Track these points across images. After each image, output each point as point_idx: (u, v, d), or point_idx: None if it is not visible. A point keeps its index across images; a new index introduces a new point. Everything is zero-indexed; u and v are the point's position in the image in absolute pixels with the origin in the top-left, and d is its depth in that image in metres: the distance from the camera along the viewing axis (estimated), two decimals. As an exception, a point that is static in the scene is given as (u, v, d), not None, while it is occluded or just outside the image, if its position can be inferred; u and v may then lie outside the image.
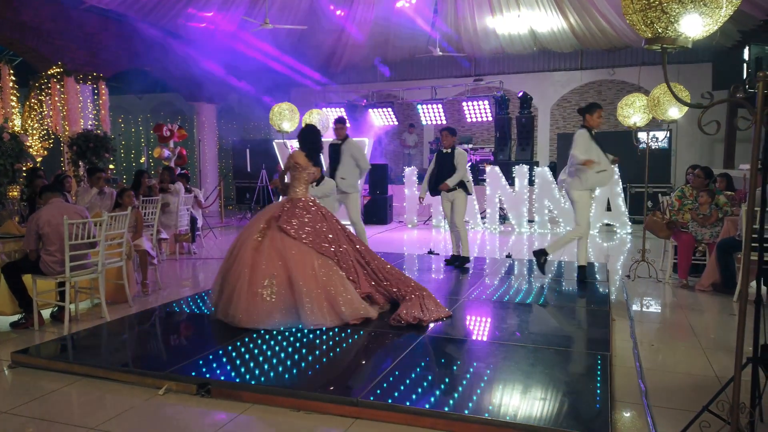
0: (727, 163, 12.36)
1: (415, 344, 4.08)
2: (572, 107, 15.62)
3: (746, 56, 9.14)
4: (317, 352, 3.95)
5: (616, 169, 10.66)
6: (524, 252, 8.71)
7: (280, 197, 5.53)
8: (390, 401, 3.10)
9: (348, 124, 7.37)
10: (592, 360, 3.73)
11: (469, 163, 11.86)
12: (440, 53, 13.59)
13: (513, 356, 3.85)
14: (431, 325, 4.51)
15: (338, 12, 13.02)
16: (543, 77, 15.59)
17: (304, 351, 3.95)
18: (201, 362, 3.66)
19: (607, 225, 10.92)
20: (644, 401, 3.23)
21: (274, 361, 3.70)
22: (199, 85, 14.08)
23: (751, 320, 2.79)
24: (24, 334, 4.67)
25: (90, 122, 9.79)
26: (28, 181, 6.88)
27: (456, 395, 3.21)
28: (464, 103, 13.67)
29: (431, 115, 14.14)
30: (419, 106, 14.15)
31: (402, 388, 3.31)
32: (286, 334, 4.29)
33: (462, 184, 6.86)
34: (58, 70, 9.56)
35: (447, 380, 3.43)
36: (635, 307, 5.44)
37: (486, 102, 13.38)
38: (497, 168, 11.26)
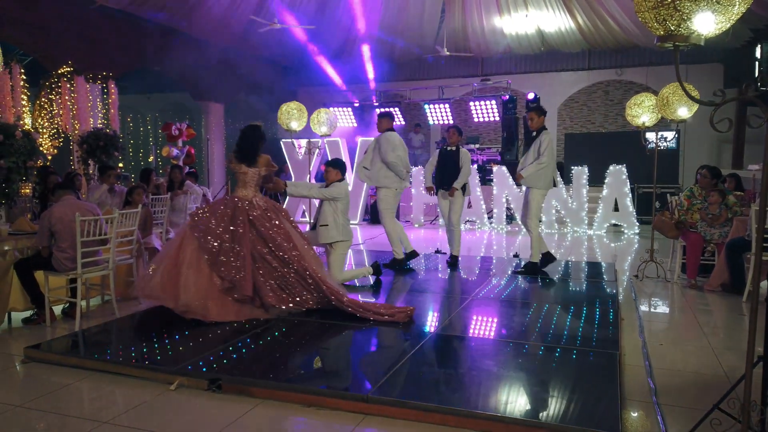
0: (736, 163, 12.30)
1: (424, 342, 4.09)
2: (579, 107, 15.59)
3: (758, 54, 9.10)
4: (328, 349, 3.97)
5: (624, 170, 10.66)
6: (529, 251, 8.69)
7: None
8: (400, 398, 3.12)
9: (393, 119, 6.99)
10: (602, 359, 3.73)
11: (476, 164, 11.84)
12: (447, 53, 13.59)
13: (522, 354, 3.85)
14: (437, 323, 4.52)
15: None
16: (550, 77, 15.56)
17: (313, 347, 3.97)
18: (212, 358, 3.69)
19: (615, 225, 10.90)
20: (654, 400, 3.23)
21: (283, 357, 3.73)
22: (207, 85, 14.13)
23: (762, 319, 2.79)
24: (36, 329, 4.72)
25: (99, 121, 9.86)
26: (40, 178, 6.95)
27: (465, 392, 3.23)
28: (471, 103, 13.67)
29: (438, 115, 14.14)
30: (426, 106, 14.15)
31: (412, 384, 3.32)
32: (296, 330, 4.31)
33: (462, 185, 6.90)
34: (68, 69, 9.63)
35: (456, 377, 3.45)
36: (644, 307, 5.43)
37: (493, 102, 13.38)
38: (504, 168, 11.26)
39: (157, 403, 3.26)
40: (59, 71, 9.68)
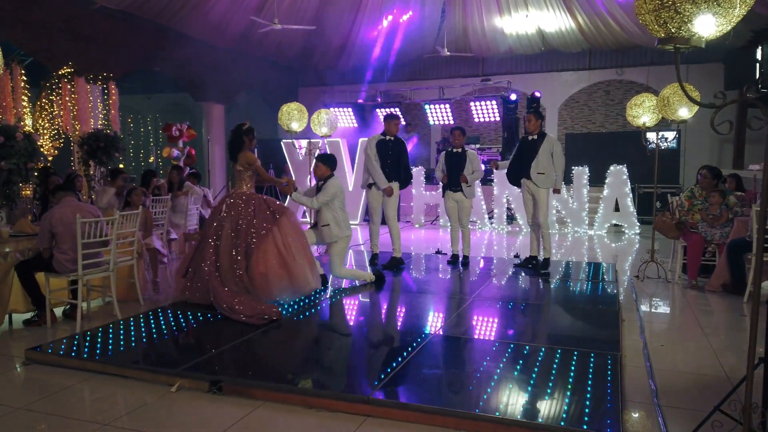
0: (737, 164, 12.29)
1: (425, 343, 4.10)
2: (580, 107, 15.59)
3: (759, 56, 9.09)
4: (329, 350, 3.97)
5: (625, 170, 10.65)
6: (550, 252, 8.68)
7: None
8: (401, 399, 3.12)
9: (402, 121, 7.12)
10: (603, 360, 3.73)
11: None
12: (447, 53, 13.59)
13: (522, 356, 3.85)
14: (438, 325, 4.52)
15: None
16: (551, 77, 15.55)
17: (314, 348, 3.97)
18: (213, 360, 3.69)
19: (616, 225, 10.89)
20: (654, 401, 3.23)
21: (286, 358, 3.73)
22: (208, 86, 14.13)
23: (763, 320, 2.79)
24: (37, 331, 4.73)
25: (100, 122, 9.86)
26: (40, 179, 6.95)
27: (465, 394, 3.23)
28: (472, 103, 13.66)
29: (439, 115, 14.14)
30: (426, 106, 14.15)
31: (412, 386, 3.32)
32: (298, 331, 4.32)
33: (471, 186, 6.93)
34: (69, 70, 9.63)
35: (457, 379, 3.45)
36: (644, 308, 5.43)
37: (494, 102, 13.37)
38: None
39: (158, 405, 3.26)
40: (60, 72, 9.69)
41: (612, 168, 10.71)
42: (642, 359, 3.93)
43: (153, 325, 4.75)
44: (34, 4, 9.61)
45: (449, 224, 7.36)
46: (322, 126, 8.72)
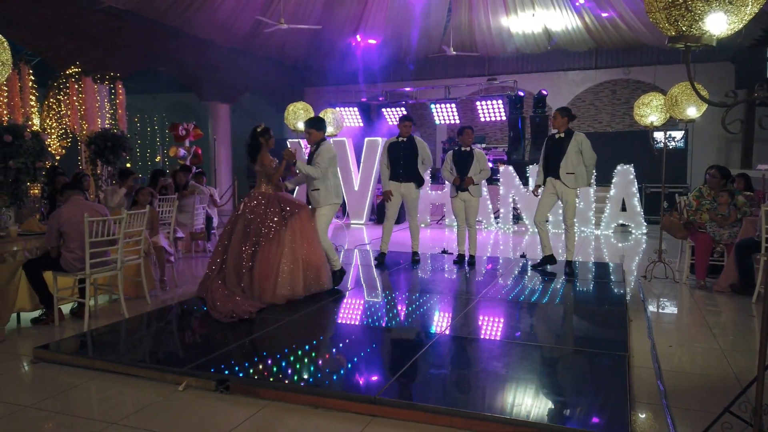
0: (745, 163, 12.22)
1: (432, 343, 4.09)
2: (587, 107, 15.54)
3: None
4: (336, 349, 3.97)
5: (632, 169, 10.60)
6: (538, 252, 8.66)
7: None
8: (407, 400, 3.11)
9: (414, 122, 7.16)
10: (610, 360, 3.71)
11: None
12: (453, 53, 13.57)
13: (530, 356, 3.84)
14: (444, 324, 4.51)
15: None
16: (557, 76, 15.52)
17: (321, 348, 3.97)
18: (220, 359, 3.69)
19: (622, 225, 10.84)
20: (663, 402, 3.21)
21: (292, 358, 3.73)
22: (213, 85, 14.18)
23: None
24: (45, 330, 4.75)
25: (107, 121, 9.90)
26: (48, 179, 6.98)
27: (473, 394, 3.22)
28: (478, 103, 13.63)
29: (445, 114, 14.12)
30: (432, 106, 14.13)
31: (420, 386, 3.31)
32: (304, 331, 4.32)
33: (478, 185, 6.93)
34: (76, 70, 9.68)
35: (464, 379, 3.44)
36: (652, 308, 5.40)
37: (500, 101, 13.34)
38: (511, 168, 11.22)
39: (166, 404, 3.27)
40: (67, 72, 9.73)
41: (619, 168, 10.65)
42: (650, 360, 3.91)
43: (160, 324, 4.77)
44: (41, 5, 9.66)
45: (456, 224, 7.35)
46: (328, 125, 8.72)
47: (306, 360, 3.72)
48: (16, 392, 3.49)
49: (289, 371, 3.52)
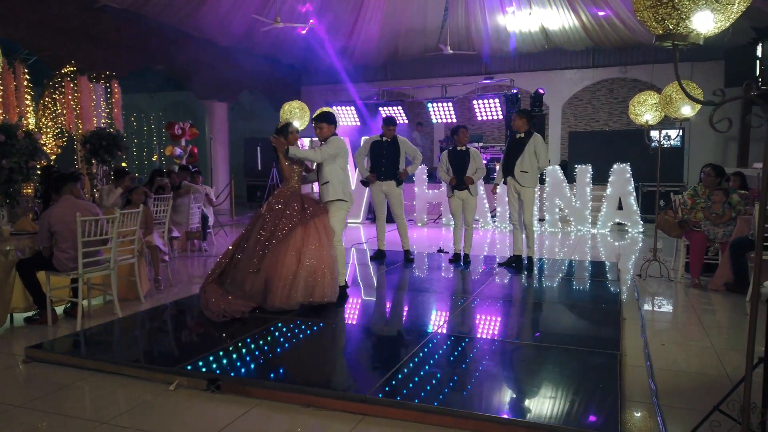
0: (741, 162, 12.22)
1: (424, 342, 4.09)
2: (584, 105, 15.54)
3: (759, 53, 9.01)
4: (327, 349, 3.97)
5: (628, 168, 10.61)
6: (533, 250, 8.66)
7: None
8: (398, 399, 3.11)
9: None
10: (602, 359, 3.71)
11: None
12: (450, 51, 13.55)
13: (522, 355, 3.84)
14: (437, 323, 4.51)
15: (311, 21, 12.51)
16: (554, 75, 15.50)
17: (312, 347, 3.97)
18: (211, 358, 3.69)
19: (619, 224, 10.84)
20: (654, 400, 3.21)
21: (282, 357, 3.72)
22: (211, 84, 14.16)
23: (763, 320, 2.76)
24: (38, 329, 4.74)
25: (103, 121, 9.88)
26: (42, 178, 6.96)
27: (464, 393, 3.22)
28: (474, 102, 13.61)
29: (441, 113, 14.10)
30: (429, 105, 14.11)
31: (410, 385, 3.31)
32: (296, 330, 4.31)
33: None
34: (72, 69, 9.65)
35: (455, 378, 3.44)
36: (647, 307, 5.40)
37: (497, 100, 13.32)
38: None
39: (157, 403, 3.27)
40: (63, 71, 9.71)
41: (615, 166, 10.66)
42: (643, 358, 3.91)
43: (153, 324, 4.77)
44: (38, 3, 9.63)
45: (452, 222, 7.37)
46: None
47: (297, 359, 3.72)
48: (9, 392, 3.49)
49: (281, 370, 3.52)
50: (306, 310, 4.82)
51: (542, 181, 11.15)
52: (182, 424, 3.05)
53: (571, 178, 11.09)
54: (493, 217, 11.39)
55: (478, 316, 4.93)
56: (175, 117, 13.98)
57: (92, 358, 3.88)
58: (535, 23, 13.75)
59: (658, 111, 6.48)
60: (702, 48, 2.19)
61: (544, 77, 15.36)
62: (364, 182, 7.35)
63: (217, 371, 3.48)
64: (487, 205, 11.28)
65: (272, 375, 3.44)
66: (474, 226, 7.27)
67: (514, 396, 3.19)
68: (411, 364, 3.64)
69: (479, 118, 13.95)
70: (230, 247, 5.17)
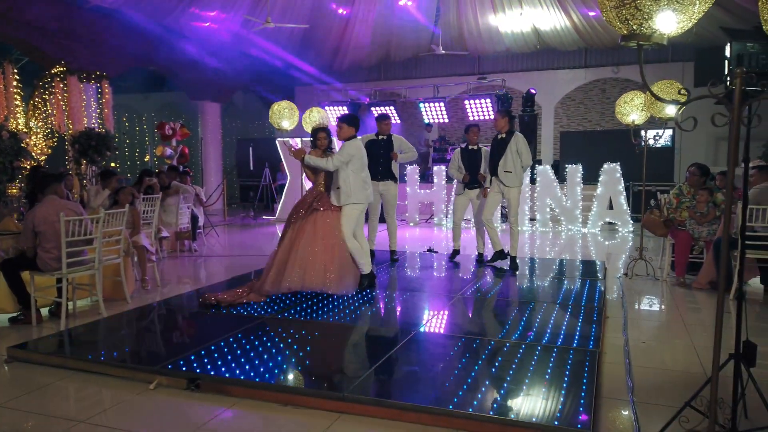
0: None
1: (405, 340, 4.10)
2: (576, 105, 15.58)
3: (728, 53, 9.01)
4: (307, 348, 3.98)
5: (618, 168, 10.66)
6: (525, 250, 8.70)
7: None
8: (376, 396, 3.13)
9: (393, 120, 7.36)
10: (581, 357, 3.73)
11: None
12: (443, 52, 13.58)
13: (501, 353, 3.86)
14: (419, 322, 4.53)
15: (341, 11, 12.98)
16: (546, 75, 15.55)
17: (293, 346, 3.98)
18: (192, 357, 3.70)
19: (609, 223, 10.89)
20: (630, 397, 3.24)
21: (264, 356, 3.74)
22: (203, 84, 14.16)
23: (730, 318, 2.79)
24: (22, 329, 4.74)
25: (94, 121, 9.87)
26: (29, 178, 6.95)
27: (441, 391, 3.23)
28: (466, 102, 13.66)
29: (433, 113, 14.14)
30: (421, 105, 14.15)
31: (389, 383, 3.33)
32: (277, 329, 4.33)
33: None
34: (62, 69, 9.64)
35: (434, 376, 3.45)
36: (632, 305, 5.43)
37: (488, 100, 13.37)
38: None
39: (136, 403, 3.28)
40: (53, 71, 9.70)
41: (605, 166, 10.71)
42: (622, 356, 3.94)
43: (137, 323, 4.78)
44: (28, 3, 9.62)
45: (444, 222, 7.38)
46: (314, 124, 8.72)
47: (277, 358, 3.73)
48: (-12, 391, 3.49)
49: (260, 369, 3.53)
50: (287, 308, 4.84)
51: (533, 181, 11.21)
52: (161, 422, 3.06)
53: (562, 177, 11.13)
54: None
55: (461, 315, 4.95)
56: (168, 117, 13.98)
57: (74, 357, 3.89)
58: (527, 24, 13.78)
59: (644, 111, 6.51)
60: (698, 47, 2.22)
61: (536, 77, 15.40)
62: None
63: (197, 370, 3.49)
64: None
65: (251, 374, 3.45)
66: (466, 225, 7.30)
67: (491, 393, 3.21)
68: (390, 363, 3.66)
69: (471, 118, 13.97)
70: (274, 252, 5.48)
